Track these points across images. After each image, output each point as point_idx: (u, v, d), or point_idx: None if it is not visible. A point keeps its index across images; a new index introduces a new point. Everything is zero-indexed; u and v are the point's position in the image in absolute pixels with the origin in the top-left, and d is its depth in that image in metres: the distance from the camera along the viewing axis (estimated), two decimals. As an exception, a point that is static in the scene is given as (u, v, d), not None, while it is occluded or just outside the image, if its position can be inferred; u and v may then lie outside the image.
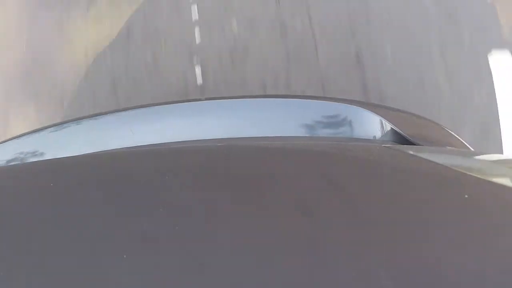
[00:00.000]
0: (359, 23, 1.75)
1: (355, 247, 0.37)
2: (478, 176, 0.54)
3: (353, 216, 0.42)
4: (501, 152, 1.62)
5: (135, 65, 1.89)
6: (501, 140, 1.61)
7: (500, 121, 1.64)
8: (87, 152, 0.84)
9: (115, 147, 0.83)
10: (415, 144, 0.79)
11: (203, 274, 0.35)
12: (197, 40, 1.87)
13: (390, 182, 0.51)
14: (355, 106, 0.84)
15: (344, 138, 0.82)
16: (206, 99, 0.93)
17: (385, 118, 0.82)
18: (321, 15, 1.78)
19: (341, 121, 0.84)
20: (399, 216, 0.42)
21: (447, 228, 0.40)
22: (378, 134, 0.83)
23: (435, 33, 1.71)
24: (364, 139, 0.82)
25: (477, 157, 0.71)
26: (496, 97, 1.65)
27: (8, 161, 0.87)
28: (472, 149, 1.06)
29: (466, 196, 0.45)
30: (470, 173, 0.56)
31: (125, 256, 0.37)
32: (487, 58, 1.67)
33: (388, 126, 0.82)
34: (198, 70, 1.84)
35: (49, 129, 0.90)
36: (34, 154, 0.88)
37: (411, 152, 0.63)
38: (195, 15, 1.89)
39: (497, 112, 1.64)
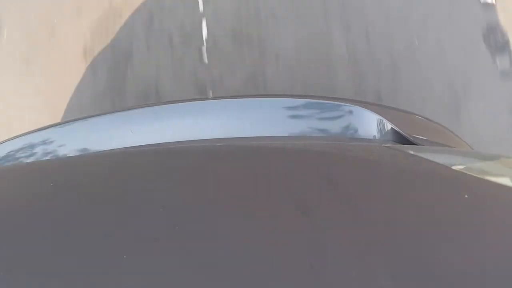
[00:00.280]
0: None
1: (355, 247, 0.37)
2: (478, 176, 0.54)
3: (353, 216, 0.42)
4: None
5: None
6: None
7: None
8: (87, 152, 0.84)
9: (115, 147, 0.83)
10: (415, 144, 0.79)
11: (203, 274, 0.35)
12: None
13: (390, 182, 0.51)
14: (355, 106, 0.84)
15: (344, 138, 0.82)
16: (206, 99, 0.93)
17: (385, 117, 0.82)
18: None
19: (341, 121, 0.84)
20: (399, 216, 0.42)
21: (447, 228, 0.40)
22: (378, 134, 0.82)
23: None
24: (364, 139, 0.82)
25: (477, 157, 0.71)
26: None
27: (9, 160, 0.87)
28: (472, 149, 1.06)
29: (466, 196, 0.45)
30: (470, 173, 0.56)
31: (125, 256, 0.37)
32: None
33: (388, 126, 0.82)
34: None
35: (49, 129, 0.90)
36: (33, 154, 0.88)
37: (411, 152, 0.63)
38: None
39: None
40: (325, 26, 1.80)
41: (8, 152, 0.89)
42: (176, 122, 0.88)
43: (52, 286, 0.35)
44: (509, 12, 1.67)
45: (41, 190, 0.52)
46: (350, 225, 0.40)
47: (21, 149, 0.89)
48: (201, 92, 1.82)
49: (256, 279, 0.34)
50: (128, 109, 0.90)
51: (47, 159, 0.84)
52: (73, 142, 0.87)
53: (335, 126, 0.84)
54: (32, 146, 0.89)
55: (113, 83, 1.92)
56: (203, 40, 1.87)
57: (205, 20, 1.89)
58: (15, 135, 0.92)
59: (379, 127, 0.83)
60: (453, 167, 0.59)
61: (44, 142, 0.88)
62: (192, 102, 0.93)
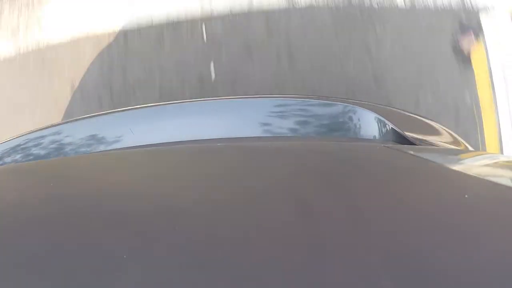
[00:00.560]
0: None
1: (355, 247, 0.37)
2: (478, 176, 0.54)
3: (353, 216, 0.42)
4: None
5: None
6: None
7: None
8: (86, 152, 0.84)
9: (115, 147, 0.83)
10: (415, 144, 0.79)
11: (203, 274, 0.35)
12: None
13: (390, 182, 0.51)
14: (355, 106, 0.84)
15: (344, 138, 0.82)
16: (207, 99, 0.93)
17: (385, 118, 0.82)
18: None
19: (341, 121, 0.84)
20: (399, 216, 0.42)
21: (447, 228, 0.40)
22: (378, 134, 0.83)
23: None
24: (364, 139, 0.82)
25: (477, 157, 0.71)
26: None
27: (9, 160, 0.87)
28: (472, 149, 1.06)
29: (466, 196, 0.45)
30: (470, 173, 0.56)
31: (125, 257, 0.37)
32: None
33: (388, 126, 0.82)
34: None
35: (49, 129, 0.90)
36: (33, 153, 0.87)
37: (411, 152, 0.63)
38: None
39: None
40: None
41: (8, 152, 0.89)
42: (176, 122, 0.88)
43: (51, 286, 0.35)
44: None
45: (41, 190, 0.52)
46: (350, 225, 0.40)
47: (21, 149, 0.89)
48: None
49: (256, 279, 0.34)
50: (128, 109, 0.90)
51: (47, 159, 0.84)
52: (73, 142, 0.87)
53: (335, 126, 0.84)
54: (32, 146, 0.89)
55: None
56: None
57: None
58: (15, 135, 0.92)
59: (379, 127, 0.83)
60: (453, 167, 0.59)
61: (44, 142, 0.88)
62: (192, 102, 0.93)
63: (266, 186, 0.49)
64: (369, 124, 0.83)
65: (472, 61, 1.65)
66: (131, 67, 2.02)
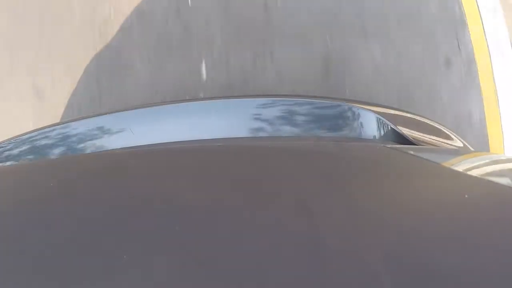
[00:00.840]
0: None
1: (355, 247, 0.37)
2: (478, 176, 0.54)
3: (353, 216, 0.42)
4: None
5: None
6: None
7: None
8: (87, 152, 0.84)
9: (115, 147, 0.83)
10: (415, 144, 0.79)
11: (203, 274, 0.35)
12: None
13: (390, 182, 0.51)
14: (355, 106, 0.84)
15: (344, 138, 0.82)
16: (207, 99, 0.93)
17: (385, 118, 0.82)
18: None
19: (341, 121, 0.84)
20: (399, 216, 0.42)
21: (447, 228, 0.40)
22: (378, 134, 0.82)
23: None
24: (364, 139, 0.82)
25: (477, 157, 0.71)
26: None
27: (9, 160, 0.87)
28: (472, 149, 1.06)
29: (466, 196, 0.45)
30: (470, 173, 0.56)
31: (125, 257, 0.37)
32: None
33: (388, 126, 0.82)
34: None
35: (48, 129, 0.90)
36: (33, 153, 0.88)
37: (411, 152, 0.63)
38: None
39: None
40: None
41: (8, 152, 0.89)
42: (177, 122, 0.88)
43: (51, 286, 0.35)
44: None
45: (41, 190, 0.52)
46: (350, 225, 0.40)
47: (21, 148, 0.89)
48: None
49: (256, 279, 0.34)
50: (128, 109, 0.90)
51: (47, 159, 0.84)
52: (73, 142, 0.87)
53: (335, 126, 0.84)
54: (32, 146, 0.89)
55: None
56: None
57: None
58: (15, 135, 0.92)
59: (379, 127, 0.83)
60: (453, 167, 0.59)
61: (44, 142, 0.88)
62: (193, 102, 0.93)
63: (266, 186, 0.49)
64: (369, 124, 0.83)
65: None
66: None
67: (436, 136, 0.95)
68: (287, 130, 0.84)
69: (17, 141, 0.90)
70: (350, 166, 0.56)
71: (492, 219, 0.42)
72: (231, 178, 0.53)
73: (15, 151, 0.89)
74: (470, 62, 1.67)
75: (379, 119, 0.82)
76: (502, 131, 1.62)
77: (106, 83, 1.93)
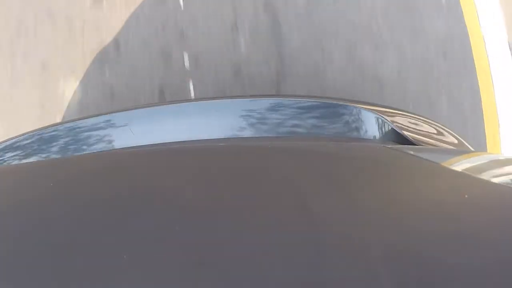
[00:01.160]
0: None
1: (355, 247, 0.37)
2: (478, 176, 0.54)
3: (353, 216, 0.42)
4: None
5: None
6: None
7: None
8: (87, 152, 0.84)
9: (115, 147, 0.83)
10: (415, 144, 0.79)
11: (203, 273, 0.35)
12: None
13: (390, 182, 0.51)
14: (355, 106, 0.84)
15: (344, 138, 0.82)
16: (207, 99, 0.93)
17: (385, 117, 0.82)
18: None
19: (341, 121, 0.84)
20: (399, 216, 0.42)
21: (447, 228, 0.40)
22: (378, 134, 0.83)
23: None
24: (364, 139, 0.82)
25: (477, 157, 0.71)
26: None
27: (9, 160, 0.87)
28: (472, 149, 1.06)
29: (466, 196, 0.45)
30: (470, 173, 0.56)
31: (125, 257, 0.37)
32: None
33: (388, 126, 0.82)
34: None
35: (48, 129, 0.90)
36: (33, 153, 0.88)
37: (411, 152, 0.63)
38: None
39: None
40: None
41: (8, 152, 0.89)
42: (177, 122, 0.88)
43: (51, 286, 0.35)
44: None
45: (41, 190, 0.52)
46: (350, 224, 0.40)
47: (21, 149, 0.89)
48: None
49: (256, 279, 0.34)
50: (128, 109, 0.90)
51: (47, 159, 0.84)
52: (73, 142, 0.87)
53: (335, 126, 0.84)
54: (32, 146, 0.89)
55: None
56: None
57: None
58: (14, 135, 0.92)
59: (379, 127, 0.83)
60: (453, 167, 0.59)
61: (44, 142, 0.88)
62: (193, 102, 0.93)
63: (266, 186, 0.49)
64: (369, 124, 0.83)
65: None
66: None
67: (436, 136, 0.95)
68: (287, 130, 0.84)
69: (17, 141, 0.90)
70: (350, 166, 0.56)
71: (492, 219, 0.42)
72: (231, 178, 0.53)
73: (15, 151, 0.89)
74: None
75: (379, 119, 0.82)
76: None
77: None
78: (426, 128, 0.96)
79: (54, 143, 0.88)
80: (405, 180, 0.52)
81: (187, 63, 1.81)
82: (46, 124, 0.96)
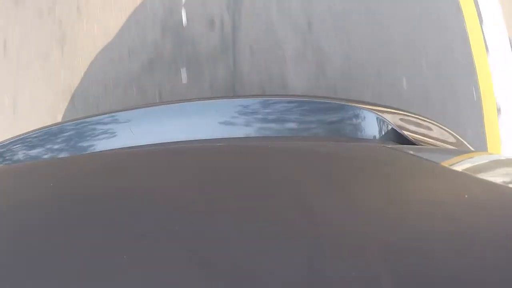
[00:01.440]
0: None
1: (355, 247, 0.37)
2: (478, 176, 0.54)
3: (353, 216, 0.42)
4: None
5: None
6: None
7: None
8: (87, 152, 0.84)
9: (115, 147, 0.83)
10: (415, 144, 0.79)
11: (203, 273, 0.35)
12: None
13: (390, 182, 0.51)
14: (355, 106, 0.84)
15: (344, 138, 0.82)
16: (207, 99, 0.93)
17: (385, 117, 0.82)
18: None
19: (341, 121, 0.84)
20: (399, 216, 0.42)
21: (447, 228, 0.40)
22: (378, 134, 0.83)
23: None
24: (364, 139, 0.82)
25: (477, 157, 0.71)
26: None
27: (9, 159, 0.87)
28: (472, 149, 1.06)
29: (466, 196, 0.45)
30: (470, 173, 0.56)
31: (125, 257, 0.37)
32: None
33: (388, 126, 0.82)
34: None
35: (48, 129, 0.90)
36: (33, 153, 0.88)
37: (411, 152, 0.63)
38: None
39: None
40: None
41: (8, 152, 0.89)
42: (177, 122, 0.88)
43: (51, 286, 0.35)
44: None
45: (41, 190, 0.52)
46: (350, 224, 0.40)
47: (21, 149, 0.89)
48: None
49: (256, 278, 0.34)
50: (128, 109, 0.90)
51: (47, 159, 0.84)
52: (73, 142, 0.87)
53: (335, 126, 0.84)
54: (31, 146, 0.89)
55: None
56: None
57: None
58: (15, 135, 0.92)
59: (379, 127, 0.83)
60: (453, 167, 0.59)
61: (44, 142, 0.88)
62: (193, 102, 0.93)
63: (266, 186, 0.49)
64: (369, 124, 0.83)
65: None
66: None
67: (436, 136, 0.95)
68: (287, 130, 0.84)
69: (17, 141, 0.90)
70: (350, 166, 0.56)
71: (492, 219, 0.42)
72: (231, 178, 0.53)
73: (15, 151, 0.89)
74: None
75: (379, 119, 0.82)
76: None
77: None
78: (426, 128, 0.96)
79: (54, 143, 0.88)
80: (405, 180, 0.52)
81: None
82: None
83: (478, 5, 1.69)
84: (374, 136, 0.82)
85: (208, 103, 0.91)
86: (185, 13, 1.90)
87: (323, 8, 1.80)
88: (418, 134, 0.85)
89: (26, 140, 0.89)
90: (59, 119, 1.94)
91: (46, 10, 2.04)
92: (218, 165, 0.57)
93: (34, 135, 0.89)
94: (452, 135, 0.99)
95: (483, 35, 1.68)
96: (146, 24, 1.92)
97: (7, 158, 0.88)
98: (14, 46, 2.05)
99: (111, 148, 0.83)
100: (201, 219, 0.42)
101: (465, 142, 1.01)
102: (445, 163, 0.59)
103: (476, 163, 0.66)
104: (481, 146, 1.61)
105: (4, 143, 0.90)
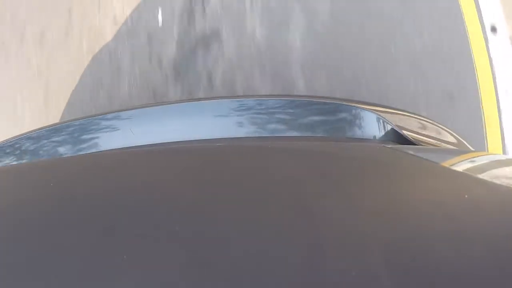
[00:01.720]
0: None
1: (355, 247, 0.37)
2: (478, 176, 0.54)
3: (353, 216, 0.42)
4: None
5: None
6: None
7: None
8: (87, 152, 0.84)
9: (115, 147, 0.83)
10: (415, 144, 0.79)
11: (203, 274, 0.35)
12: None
13: (390, 182, 0.51)
14: (355, 106, 0.84)
15: (344, 138, 0.82)
16: (207, 99, 0.93)
17: (384, 117, 0.82)
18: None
19: (341, 121, 0.84)
20: (399, 216, 0.42)
21: (447, 228, 0.40)
22: (378, 134, 0.83)
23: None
24: (364, 139, 0.82)
25: (477, 157, 0.71)
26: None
27: (8, 159, 0.87)
28: (472, 149, 1.06)
29: (466, 196, 0.45)
30: (470, 173, 0.56)
31: (125, 257, 0.37)
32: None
33: (388, 126, 0.82)
34: None
35: (48, 129, 0.90)
36: (33, 153, 0.88)
37: (411, 152, 0.63)
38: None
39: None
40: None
41: (8, 152, 0.89)
42: (176, 122, 0.88)
43: (51, 286, 0.35)
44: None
45: (41, 190, 0.52)
46: (350, 225, 0.40)
47: (21, 148, 0.89)
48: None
49: (256, 279, 0.34)
50: (128, 109, 0.90)
51: (47, 159, 0.84)
52: (73, 142, 0.87)
53: (335, 126, 0.84)
54: (32, 146, 0.89)
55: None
56: None
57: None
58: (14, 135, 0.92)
59: (379, 127, 0.83)
60: (453, 167, 0.59)
61: (44, 142, 0.88)
62: (193, 102, 0.93)
63: (266, 186, 0.49)
64: (369, 124, 0.83)
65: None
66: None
67: (436, 136, 0.95)
68: (287, 130, 0.84)
69: (17, 141, 0.90)
70: (350, 166, 0.56)
71: (492, 219, 0.42)
72: (231, 178, 0.53)
73: (15, 151, 0.89)
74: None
75: (379, 119, 0.82)
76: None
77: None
78: (426, 128, 0.96)
79: (54, 143, 0.88)
80: (405, 180, 0.52)
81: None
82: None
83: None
84: (374, 136, 0.82)
85: (208, 103, 0.91)
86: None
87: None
88: (418, 134, 0.85)
89: (26, 140, 0.89)
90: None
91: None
92: (218, 165, 0.57)
93: (34, 135, 0.89)
94: (452, 135, 0.99)
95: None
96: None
97: (7, 157, 0.88)
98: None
99: (111, 148, 0.83)
100: (201, 219, 0.42)
101: (465, 142, 1.01)
102: (445, 163, 0.59)
103: (476, 163, 0.66)
104: (481, 146, 1.62)
105: (4, 143, 0.90)
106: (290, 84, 1.80)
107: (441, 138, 0.94)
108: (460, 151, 0.84)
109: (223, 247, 0.37)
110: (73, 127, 0.89)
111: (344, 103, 0.85)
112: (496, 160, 0.70)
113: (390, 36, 1.75)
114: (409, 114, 0.96)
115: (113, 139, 0.85)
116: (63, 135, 0.89)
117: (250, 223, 0.42)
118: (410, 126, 0.89)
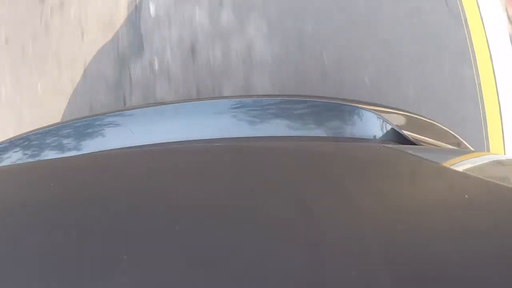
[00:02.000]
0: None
1: (355, 247, 0.37)
2: (478, 176, 0.54)
3: (353, 216, 0.42)
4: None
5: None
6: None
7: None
8: (86, 152, 0.84)
9: (115, 147, 0.83)
10: (415, 144, 0.79)
11: (203, 274, 0.35)
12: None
13: (390, 182, 0.51)
14: (355, 106, 0.84)
15: (344, 138, 0.82)
16: (207, 99, 0.93)
17: (385, 117, 0.82)
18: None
19: (341, 121, 0.84)
20: (399, 216, 0.42)
21: (447, 228, 0.40)
22: (378, 134, 0.82)
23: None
24: (364, 139, 0.82)
25: (477, 157, 0.71)
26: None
27: (9, 160, 0.87)
28: (472, 149, 1.06)
29: (466, 196, 0.45)
30: (470, 173, 0.56)
31: (125, 257, 0.37)
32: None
33: (388, 126, 0.82)
34: None
35: (48, 129, 0.90)
36: (33, 153, 0.88)
37: (411, 152, 0.63)
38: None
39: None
40: None
41: (8, 152, 0.89)
42: (176, 122, 0.88)
43: (51, 286, 0.35)
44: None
45: (41, 190, 0.52)
46: (350, 225, 0.40)
47: (21, 148, 0.89)
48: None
49: (256, 279, 0.34)
50: (128, 109, 0.90)
51: (47, 159, 0.84)
52: (73, 142, 0.87)
53: (335, 126, 0.84)
54: (32, 146, 0.89)
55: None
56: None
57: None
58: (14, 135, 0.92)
59: (379, 127, 0.83)
60: (453, 167, 0.59)
61: (44, 142, 0.88)
62: (193, 102, 0.93)
63: (266, 186, 0.49)
64: (369, 124, 0.83)
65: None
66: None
67: (436, 135, 0.95)
68: (287, 130, 0.84)
69: (17, 141, 0.90)
70: (350, 166, 0.56)
71: (492, 219, 0.42)
72: (231, 178, 0.53)
73: (15, 151, 0.89)
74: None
75: (379, 118, 0.82)
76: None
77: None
78: (426, 127, 0.97)
79: (54, 143, 0.88)
80: (405, 180, 0.52)
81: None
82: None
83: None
84: (374, 136, 0.82)
85: (207, 103, 0.91)
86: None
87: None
88: (418, 134, 0.85)
89: (26, 140, 0.89)
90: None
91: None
92: (217, 165, 0.57)
93: (34, 135, 0.89)
94: (452, 135, 0.99)
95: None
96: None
97: (7, 157, 0.88)
98: None
99: (111, 148, 0.83)
100: (201, 219, 0.42)
101: (465, 142, 1.01)
102: (445, 163, 0.59)
103: (476, 163, 0.66)
104: (481, 146, 1.62)
105: (5, 143, 0.90)
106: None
107: (441, 138, 0.94)
108: (460, 151, 0.84)
109: (223, 247, 0.37)
110: (73, 127, 0.89)
111: (344, 102, 0.85)
112: (496, 160, 0.70)
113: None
114: (409, 114, 0.96)
115: (113, 139, 0.85)
116: (63, 135, 0.89)
117: (250, 223, 0.42)
118: (410, 126, 0.89)
